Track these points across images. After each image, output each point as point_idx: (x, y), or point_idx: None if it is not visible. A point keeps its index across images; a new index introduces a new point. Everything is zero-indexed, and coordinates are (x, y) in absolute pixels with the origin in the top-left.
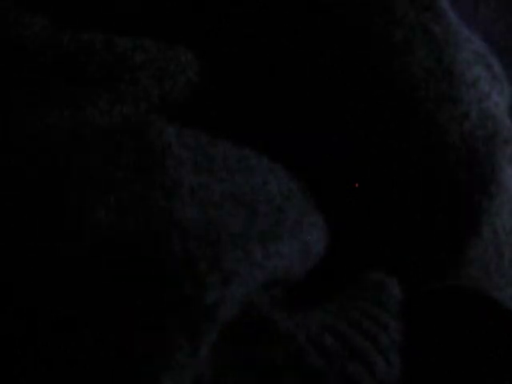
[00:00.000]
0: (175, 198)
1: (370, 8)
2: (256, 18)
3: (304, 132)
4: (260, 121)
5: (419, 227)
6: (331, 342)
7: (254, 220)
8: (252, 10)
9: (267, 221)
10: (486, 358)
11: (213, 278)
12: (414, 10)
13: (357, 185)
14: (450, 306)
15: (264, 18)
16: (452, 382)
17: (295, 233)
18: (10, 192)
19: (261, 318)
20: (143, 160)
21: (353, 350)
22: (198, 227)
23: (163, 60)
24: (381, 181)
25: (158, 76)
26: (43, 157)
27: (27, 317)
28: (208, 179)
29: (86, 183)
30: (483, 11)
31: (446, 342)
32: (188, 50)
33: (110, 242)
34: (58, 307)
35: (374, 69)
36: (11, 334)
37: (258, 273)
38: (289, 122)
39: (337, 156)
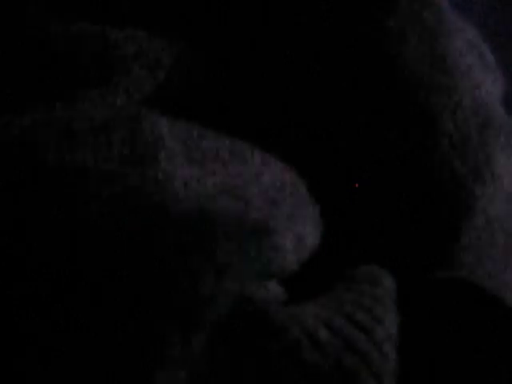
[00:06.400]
0: (168, 191)
1: None
2: (249, 9)
3: (298, 123)
4: (255, 113)
5: (412, 215)
6: (326, 335)
7: (247, 212)
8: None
9: (261, 213)
10: (482, 349)
11: (206, 272)
12: None
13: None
14: (446, 298)
15: (258, 9)
16: (448, 374)
17: (289, 225)
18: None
19: (255, 311)
20: (135, 153)
21: (348, 343)
22: (191, 220)
23: (156, 50)
24: (374, 169)
25: (151, 67)
26: (34, 152)
27: (23, 317)
28: (201, 172)
29: (79, 178)
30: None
31: (441, 334)
32: (182, 40)
33: (104, 236)
34: (50, 303)
35: (367, 58)
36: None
37: (251, 266)
38: (283, 115)
39: (329, 146)
